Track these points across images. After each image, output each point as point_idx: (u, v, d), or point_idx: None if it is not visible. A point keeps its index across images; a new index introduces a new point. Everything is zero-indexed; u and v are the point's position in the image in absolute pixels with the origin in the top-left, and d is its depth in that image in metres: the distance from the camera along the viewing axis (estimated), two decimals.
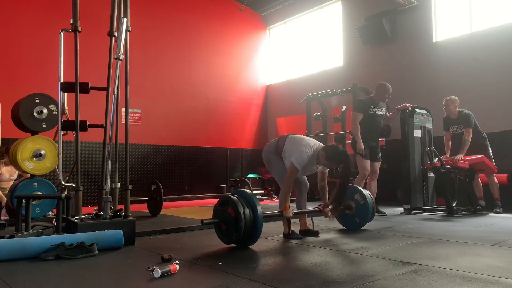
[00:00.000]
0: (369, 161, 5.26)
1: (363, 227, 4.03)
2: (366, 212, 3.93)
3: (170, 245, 3.34)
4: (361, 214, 3.94)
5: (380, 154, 5.42)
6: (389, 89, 5.37)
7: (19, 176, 5.55)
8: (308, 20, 10.13)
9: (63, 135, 3.96)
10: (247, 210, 3.05)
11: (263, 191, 8.56)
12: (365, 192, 4.06)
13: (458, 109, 5.61)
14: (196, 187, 8.98)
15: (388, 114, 5.59)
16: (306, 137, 3.64)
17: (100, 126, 3.79)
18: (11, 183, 5.45)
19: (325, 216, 3.65)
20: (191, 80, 9.41)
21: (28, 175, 5.17)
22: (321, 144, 3.53)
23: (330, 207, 3.63)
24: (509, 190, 5.83)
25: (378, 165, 5.41)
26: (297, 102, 8.92)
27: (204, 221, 3.13)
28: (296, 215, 3.54)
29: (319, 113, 8.28)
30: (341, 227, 4.15)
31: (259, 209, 3.08)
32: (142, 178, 8.25)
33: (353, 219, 4.00)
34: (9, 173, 5.53)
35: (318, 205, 3.69)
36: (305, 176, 3.77)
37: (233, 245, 3.16)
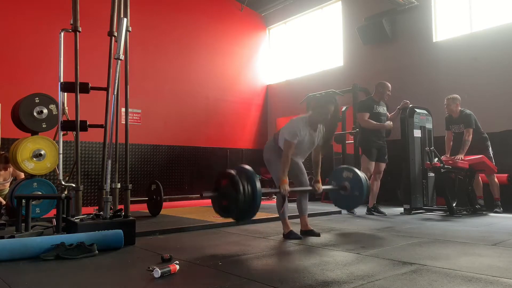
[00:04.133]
0: (374, 162, 5.27)
1: (363, 228, 4.03)
2: (361, 183, 3.94)
3: (170, 245, 3.34)
4: (357, 186, 3.96)
5: (387, 155, 5.44)
6: (388, 86, 5.48)
7: (14, 179, 5.56)
8: (308, 20, 10.12)
9: (63, 135, 3.96)
10: (245, 184, 3.09)
11: (264, 189, 8.53)
12: (349, 166, 4.12)
13: (459, 108, 5.60)
14: (196, 187, 8.97)
15: (389, 115, 5.60)
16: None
17: (100, 126, 3.79)
18: (5, 186, 5.46)
19: (317, 191, 3.70)
20: (191, 80, 9.41)
21: (23, 175, 5.17)
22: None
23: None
24: (509, 190, 5.83)
25: (383, 165, 5.42)
26: (297, 102, 8.90)
27: (204, 194, 3.17)
28: (292, 192, 3.55)
29: None
30: (341, 227, 4.15)
31: (257, 183, 3.12)
32: (142, 178, 8.25)
33: (352, 195, 3.99)
34: (3, 177, 5.56)
35: (312, 184, 3.72)
36: (307, 178, 3.77)
37: (233, 246, 3.16)
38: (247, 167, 3.28)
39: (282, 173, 3.44)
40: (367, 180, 4.11)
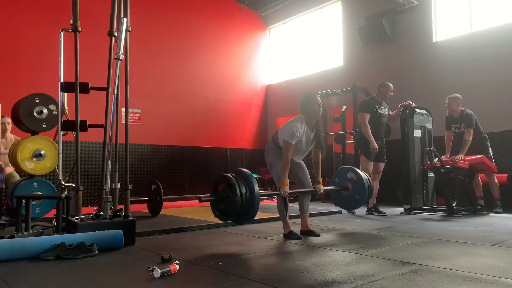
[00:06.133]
0: (372, 162, 5.27)
1: (363, 228, 4.03)
2: (363, 187, 3.94)
3: (170, 245, 3.34)
4: (359, 190, 3.96)
5: (385, 155, 5.44)
6: (390, 87, 5.53)
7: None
8: (308, 20, 10.12)
9: (63, 135, 3.96)
10: (243, 187, 3.11)
11: (263, 191, 8.54)
12: (355, 168, 4.11)
13: (460, 108, 5.60)
14: (196, 187, 8.97)
15: (391, 114, 5.61)
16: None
17: (100, 126, 3.79)
18: (6, 157, 5.13)
19: (318, 192, 3.69)
20: (191, 80, 9.41)
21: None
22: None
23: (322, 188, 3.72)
24: (509, 190, 5.83)
25: (382, 165, 5.43)
26: (297, 102, 8.83)
27: (202, 198, 3.17)
28: (292, 193, 3.55)
29: None
30: (341, 227, 4.15)
31: (255, 186, 3.13)
32: (142, 178, 8.25)
33: (354, 198, 4.00)
34: (4, 146, 5.29)
35: (313, 185, 3.72)
36: (309, 178, 3.77)
37: (233, 246, 3.16)
38: (245, 170, 3.29)
39: (282, 175, 3.44)
40: (370, 182, 4.11)
